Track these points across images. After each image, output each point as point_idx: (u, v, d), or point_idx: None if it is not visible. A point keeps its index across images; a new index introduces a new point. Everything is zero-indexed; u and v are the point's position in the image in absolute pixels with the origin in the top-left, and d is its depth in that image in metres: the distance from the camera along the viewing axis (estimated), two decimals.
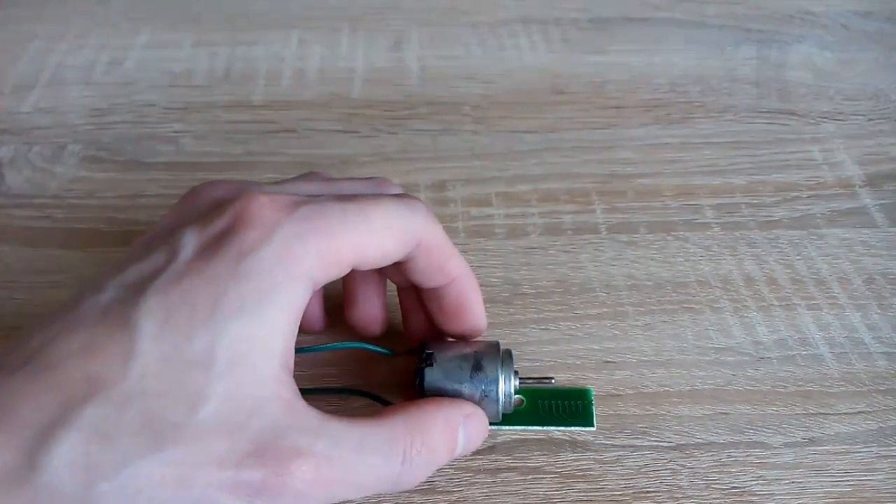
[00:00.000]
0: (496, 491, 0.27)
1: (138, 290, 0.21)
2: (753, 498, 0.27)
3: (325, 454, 0.21)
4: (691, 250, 0.36)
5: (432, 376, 0.26)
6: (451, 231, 0.36)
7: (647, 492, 0.27)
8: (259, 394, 0.21)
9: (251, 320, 0.21)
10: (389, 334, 0.31)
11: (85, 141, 0.42)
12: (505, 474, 0.28)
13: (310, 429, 0.22)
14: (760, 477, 0.28)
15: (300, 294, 0.22)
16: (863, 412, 0.30)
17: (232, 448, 0.20)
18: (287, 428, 0.21)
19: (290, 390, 0.22)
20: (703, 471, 0.28)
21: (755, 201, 0.38)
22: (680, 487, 0.27)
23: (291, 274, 0.22)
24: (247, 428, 0.20)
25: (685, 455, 0.28)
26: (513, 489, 0.27)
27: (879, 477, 0.28)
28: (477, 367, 0.26)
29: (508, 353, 0.27)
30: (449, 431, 0.25)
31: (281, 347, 0.22)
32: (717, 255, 0.36)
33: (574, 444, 0.29)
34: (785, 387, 0.30)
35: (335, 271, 0.23)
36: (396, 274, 0.27)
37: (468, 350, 0.27)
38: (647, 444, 0.29)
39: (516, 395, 0.28)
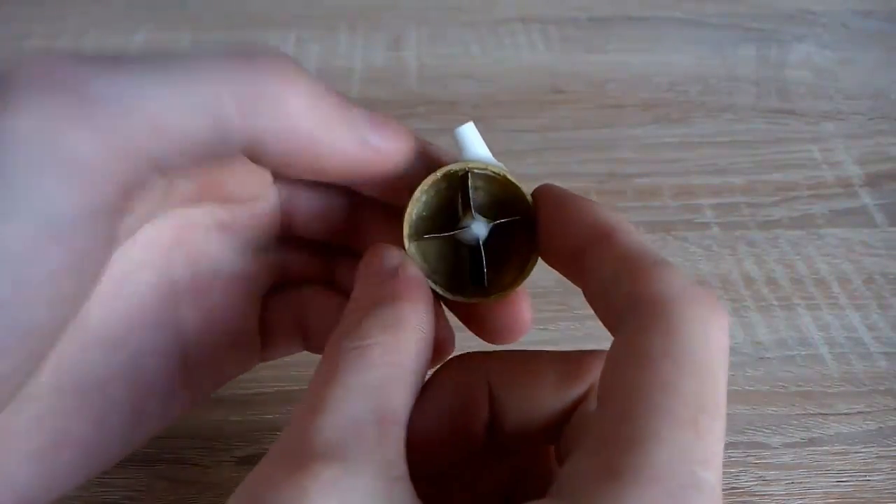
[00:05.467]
0: None
1: None
2: (753, 498, 0.27)
3: None
4: (690, 250, 0.36)
5: None
6: None
7: None
8: None
9: None
10: None
11: None
12: None
13: None
14: (760, 477, 0.28)
15: None
16: (862, 412, 0.30)
17: None
18: None
19: None
20: None
21: (755, 201, 0.38)
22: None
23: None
24: None
25: None
26: None
27: (879, 477, 0.28)
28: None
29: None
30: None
31: None
32: (717, 255, 0.35)
33: None
34: (784, 387, 0.30)
35: None
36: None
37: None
38: None
39: None
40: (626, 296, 0.17)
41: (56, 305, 0.17)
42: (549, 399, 0.20)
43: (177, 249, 0.23)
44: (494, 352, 0.22)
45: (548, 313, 0.33)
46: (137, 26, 0.50)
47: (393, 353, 0.18)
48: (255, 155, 0.18)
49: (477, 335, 0.23)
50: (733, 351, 0.32)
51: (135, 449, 0.23)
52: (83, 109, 0.15)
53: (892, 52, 0.48)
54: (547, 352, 0.21)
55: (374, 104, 0.44)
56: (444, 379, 0.21)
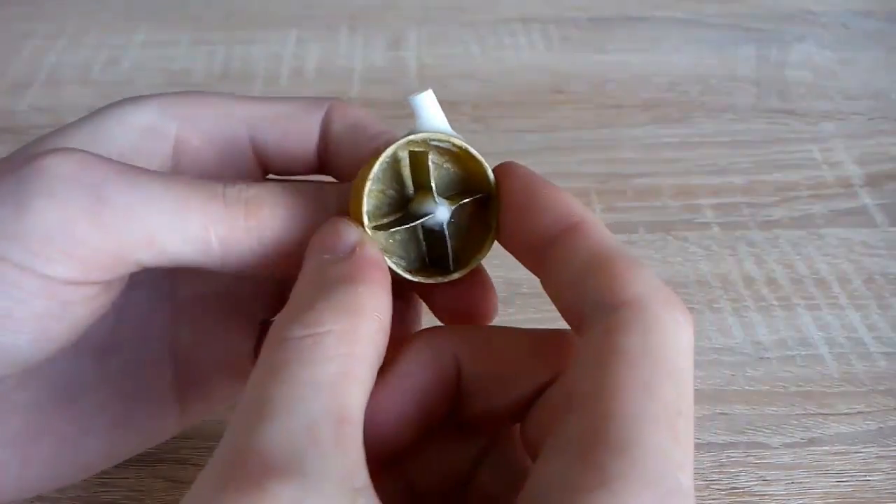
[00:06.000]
0: None
1: None
2: (753, 498, 0.27)
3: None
4: (691, 250, 0.36)
5: None
6: None
7: None
8: None
9: None
10: None
11: None
12: None
13: None
14: (760, 477, 0.28)
15: None
16: (862, 412, 0.29)
17: None
18: None
19: None
20: (702, 471, 0.28)
21: (755, 201, 0.38)
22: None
23: None
24: None
25: None
26: None
27: (879, 477, 0.28)
28: None
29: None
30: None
31: None
32: (717, 255, 0.35)
33: None
34: (785, 387, 0.30)
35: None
36: None
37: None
38: None
39: None
40: (601, 290, 0.16)
41: (40, 342, 0.18)
42: (519, 379, 0.19)
43: (180, 268, 0.24)
44: (466, 326, 0.21)
45: (548, 313, 0.33)
46: (137, 26, 0.50)
47: (349, 342, 0.16)
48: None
49: (441, 320, 0.22)
50: (733, 351, 0.32)
51: (118, 461, 0.23)
52: (97, 209, 0.18)
53: (892, 52, 0.48)
54: (519, 329, 0.20)
55: (374, 104, 0.44)
56: (412, 353, 0.20)
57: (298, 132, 0.23)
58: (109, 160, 0.19)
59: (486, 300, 0.21)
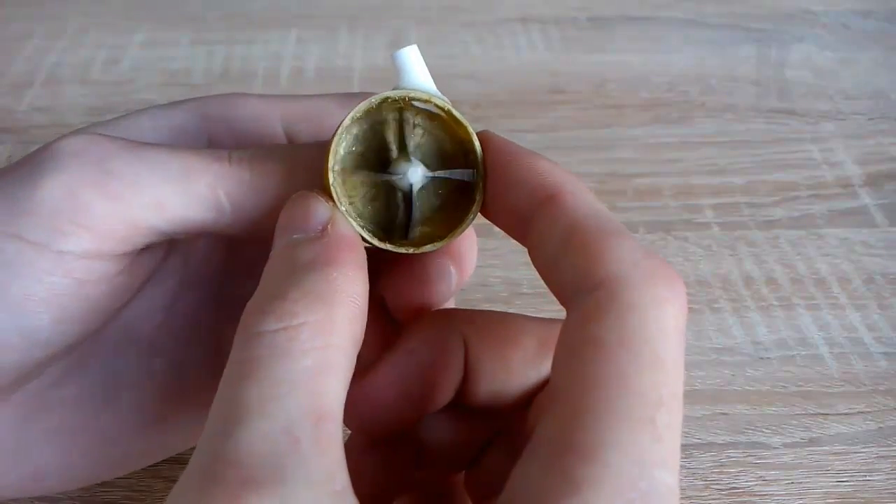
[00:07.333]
0: None
1: None
2: (753, 498, 0.27)
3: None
4: (691, 250, 0.36)
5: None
6: None
7: None
8: None
9: None
10: None
11: None
12: None
13: None
14: (760, 477, 0.28)
15: None
16: (862, 412, 0.29)
17: None
18: None
19: None
20: (702, 471, 0.28)
21: (755, 201, 0.38)
22: (679, 488, 0.27)
23: None
24: None
25: (684, 455, 0.28)
26: None
27: (879, 477, 0.28)
28: None
29: None
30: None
31: None
32: (717, 255, 0.35)
33: None
34: (784, 387, 0.30)
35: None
36: None
37: None
38: None
39: None
40: (576, 271, 0.16)
41: (60, 324, 0.19)
42: (526, 366, 0.19)
43: (229, 269, 0.24)
44: (476, 311, 0.20)
45: (548, 313, 0.33)
46: (137, 26, 0.50)
47: (325, 333, 0.15)
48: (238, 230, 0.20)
49: (385, 296, 0.22)
50: (733, 351, 0.32)
51: (158, 459, 0.23)
52: (104, 179, 0.18)
53: (892, 52, 0.48)
54: (533, 318, 0.20)
55: None
56: (420, 332, 0.19)
57: (333, 126, 0.23)
58: (118, 138, 0.19)
59: (429, 288, 0.21)
